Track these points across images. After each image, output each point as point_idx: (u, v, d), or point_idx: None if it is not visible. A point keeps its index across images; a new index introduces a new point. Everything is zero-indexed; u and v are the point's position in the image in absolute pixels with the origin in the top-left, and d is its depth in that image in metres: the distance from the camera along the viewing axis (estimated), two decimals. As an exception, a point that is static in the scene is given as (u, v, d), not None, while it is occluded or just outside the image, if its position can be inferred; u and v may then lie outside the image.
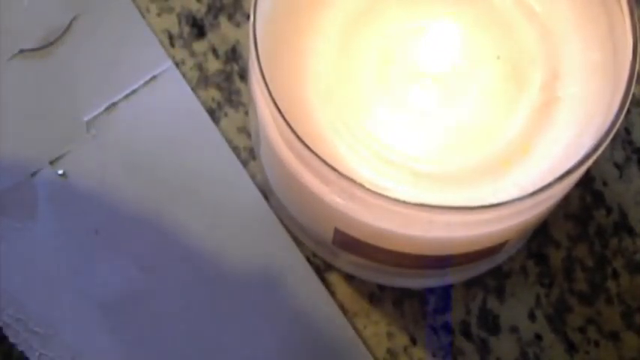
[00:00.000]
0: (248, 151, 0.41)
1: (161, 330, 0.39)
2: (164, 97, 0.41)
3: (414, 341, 0.39)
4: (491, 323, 0.40)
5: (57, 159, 0.40)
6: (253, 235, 0.40)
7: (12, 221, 0.40)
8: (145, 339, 0.39)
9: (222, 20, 0.42)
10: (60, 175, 0.40)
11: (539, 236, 0.40)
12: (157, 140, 0.41)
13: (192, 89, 0.41)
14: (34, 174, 0.40)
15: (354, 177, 0.30)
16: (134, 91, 0.41)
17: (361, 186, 0.30)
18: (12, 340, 0.39)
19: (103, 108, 0.41)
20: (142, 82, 0.41)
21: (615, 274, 0.40)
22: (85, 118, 0.41)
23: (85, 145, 0.41)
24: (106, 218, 0.40)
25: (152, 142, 0.41)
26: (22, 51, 0.41)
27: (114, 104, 0.41)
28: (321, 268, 0.40)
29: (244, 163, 0.41)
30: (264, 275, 0.40)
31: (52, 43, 0.42)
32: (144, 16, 0.42)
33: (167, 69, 0.42)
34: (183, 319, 0.39)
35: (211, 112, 0.41)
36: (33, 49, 0.42)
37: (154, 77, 0.41)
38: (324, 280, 0.40)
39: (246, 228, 0.40)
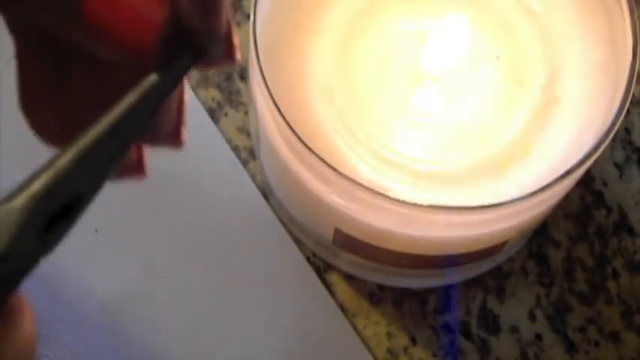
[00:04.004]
0: (248, 151, 0.41)
1: (161, 330, 0.39)
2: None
3: (414, 341, 0.39)
4: (491, 323, 0.40)
5: (57, 159, 0.40)
6: (253, 235, 0.40)
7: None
8: (145, 339, 0.39)
9: (222, 20, 0.42)
10: (60, 175, 0.40)
11: (539, 236, 0.40)
12: (157, 140, 0.41)
13: (192, 89, 0.41)
14: (34, 174, 0.40)
15: (354, 177, 0.30)
16: (134, 91, 0.41)
17: (361, 186, 0.30)
18: (12, 340, 0.39)
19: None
20: (142, 82, 0.41)
21: (615, 274, 0.40)
22: (86, 118, 0.41)
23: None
24: (106, 218, 0.40)
25: (152, 142, 0.41)
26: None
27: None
28: (321, 268, 0.40)
29: (244, 163, 0.41)
30: (264, 275, 0.40)
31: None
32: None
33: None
34: (183, 319, 0.39)
35: (211, 112, 0.41)
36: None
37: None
38: (324, 280, 0.40)
39: (246, 228, 0.40)
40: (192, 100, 0.41)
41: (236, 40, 0.23)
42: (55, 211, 0.20)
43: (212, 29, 0.22)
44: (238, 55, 0.23)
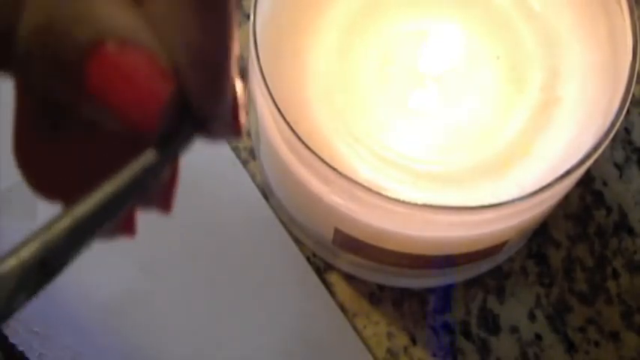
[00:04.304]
0: (248, 151, 0.41)
1: (161, 330, 0.39)
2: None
3: (414, 341, 0.39)
4: (491, 323, 0.40)
5: (57, 159, 0.40)
6: (253, 235, 0.40)
7: (12, 221, 0.40)
8: (145, 339, 0.39)
9: (222, 20, 0.42)
10: (60, 175, 0.40)
11: (539, 236, 0.40)
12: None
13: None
14: (34, 174, 0.40)
15: (354, 177, 0.30)
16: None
17: (361, 186, 0.30)
18: (12, 340, 0.39)
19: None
20: (142, 82, 0.41)
21: (615, 274, 0.40)
22: (85, 118, 0.41)
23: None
24: (106, 218, 0.40)
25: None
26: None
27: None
28: (321, 268, 0.40)
29: (244, 163, 0.41)
30: (264, 275, 0.40)
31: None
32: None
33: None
34: (183, 319, 0.39)
35: (211, 112, 0.41)
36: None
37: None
38: (324, 280, 0.40)
39: (246, 228, 0.40)
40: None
41: (242, 114, 0.22)
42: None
43: (219, 110, 0.21)
44: (244, 128, 0.23)
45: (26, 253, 0.20)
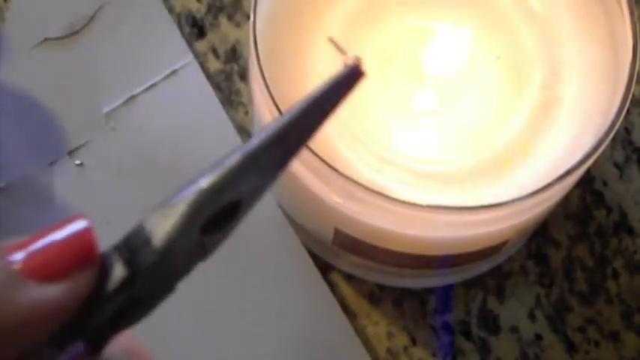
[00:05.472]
0: (248, 151, 0.41)
1: (161, 330, 0.39)
2: (183, 91, 0.41)
3: (414, 341, 0.39)
4: (491, 323, 0.40)
5: (75, 149, 0.40)
6: (253, 234, 0.40)
7: (28, 210, 0.40)
8: (146, 340, 0.39)
9: (222, 20, 0.42)
10: (77, 165, 0.40)
11: (539, 236, 0.40)
12: (175, 134, 0.41)
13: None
14: (52, 163, 0.40)
15: (354, 177, 0.30)
16: (154, 85, 0.41)
17: (361, 186, 0.30)
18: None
19: (122, 100, 0.41)
20: (162, 75, 0.41)
21: (615, 274, 0.40)
22: (105, 110, 0.41)
23: (104, 137, 0.41)
24: (118, 210, 0.40)
25: (170, 136, 0.41)
26: (46, 39, 0.41)
27: (133, 97, 0.41)
28: (322, 268, 0.40)
29: (244, 163, 0.41)
30: (265, 275, 0.40)
31: (76, 32, 0.41)
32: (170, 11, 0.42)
33: (188, 63, 0.41)
34: (183, 319, 0.39)
35: (211, 112, 0.41)
36: (57, 38, 0.41)
37: (174, 71, 0.41)
38: (324, 280, 0.40)
39: (246, 228, 0.40)
40: (211, 95, 0.41)
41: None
42: (217, 212, 0.21)
43: None
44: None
45: (202, 182, 0.20)
